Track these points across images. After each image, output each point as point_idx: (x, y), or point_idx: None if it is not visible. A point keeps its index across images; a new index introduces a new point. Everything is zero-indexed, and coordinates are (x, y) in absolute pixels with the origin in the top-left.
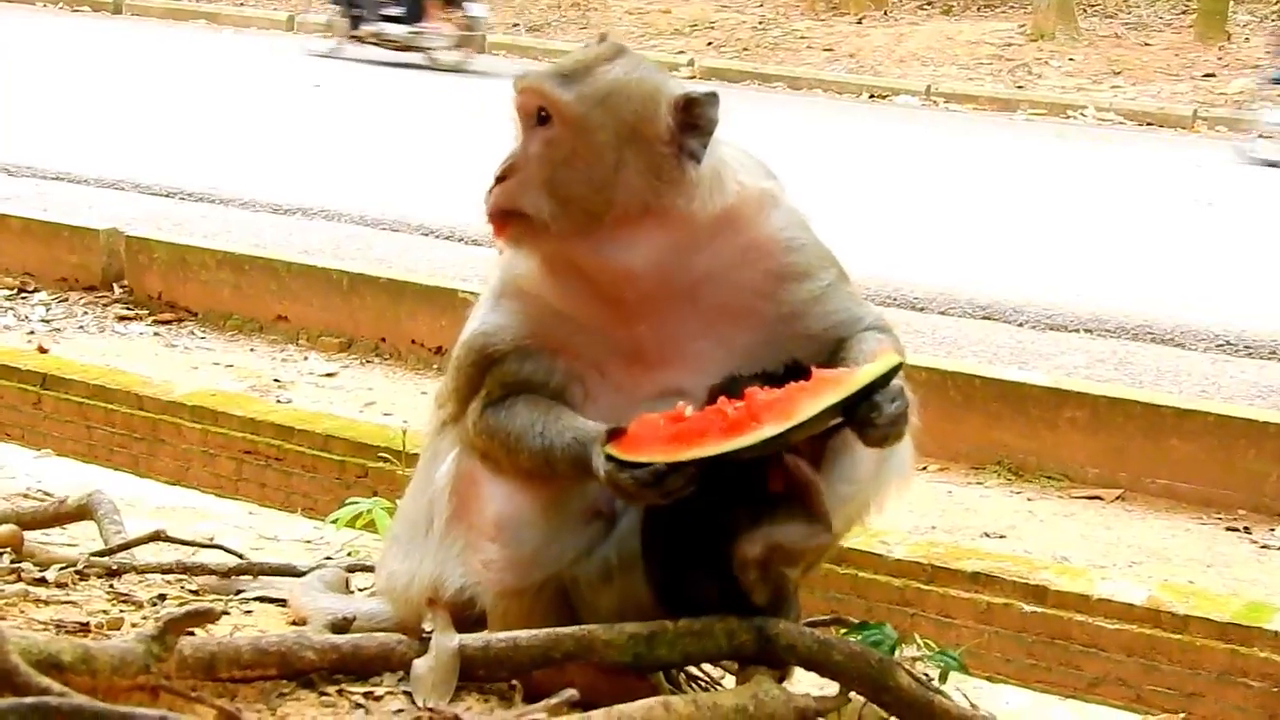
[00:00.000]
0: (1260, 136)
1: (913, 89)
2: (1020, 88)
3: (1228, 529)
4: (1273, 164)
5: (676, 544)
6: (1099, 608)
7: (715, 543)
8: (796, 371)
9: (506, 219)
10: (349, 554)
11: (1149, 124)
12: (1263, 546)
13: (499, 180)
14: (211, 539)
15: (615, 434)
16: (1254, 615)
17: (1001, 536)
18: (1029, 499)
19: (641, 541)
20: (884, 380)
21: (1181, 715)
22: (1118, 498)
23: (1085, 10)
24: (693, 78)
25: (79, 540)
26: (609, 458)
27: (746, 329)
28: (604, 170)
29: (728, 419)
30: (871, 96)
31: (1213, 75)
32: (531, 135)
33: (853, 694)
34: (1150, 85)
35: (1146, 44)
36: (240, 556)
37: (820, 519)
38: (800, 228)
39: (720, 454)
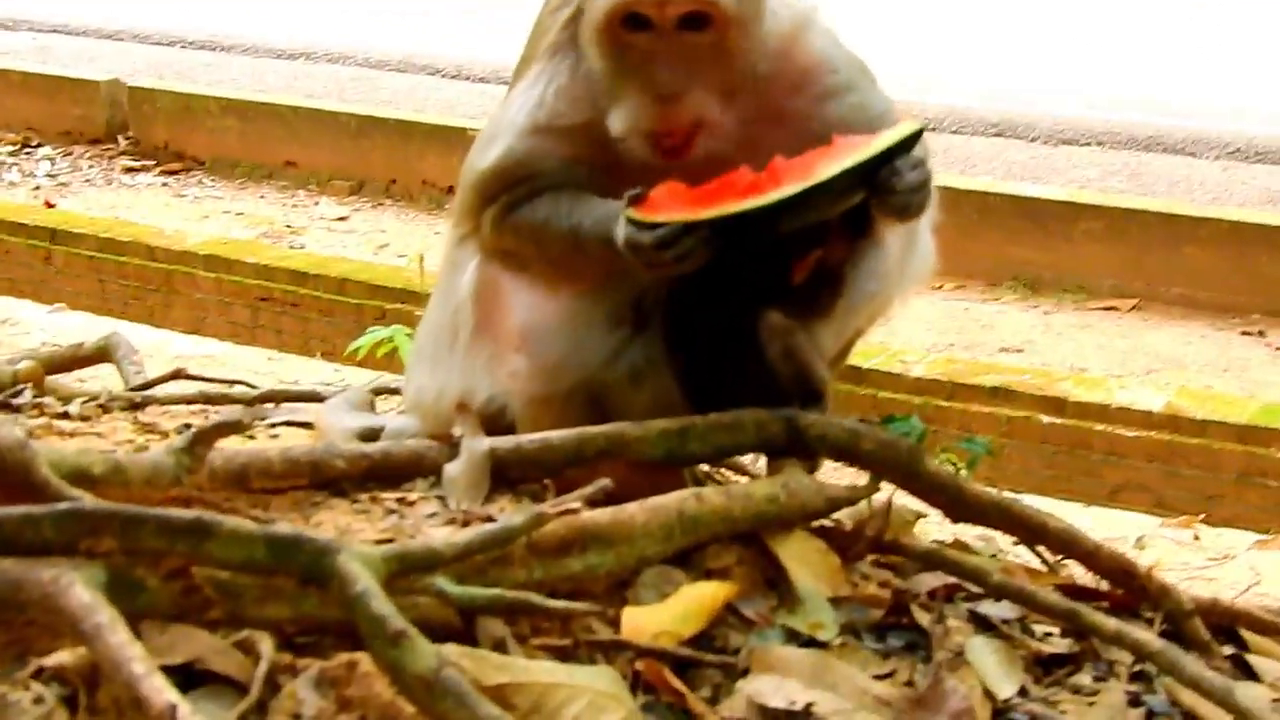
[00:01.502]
0: None
1: None
2: None
3: (1243, 333)
4: None
5: (704, 336)
6: (1118, 416)
7: (742, 333)
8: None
9: (694, 135)
10: None
11: None
12: (1278, 349)
13: (671, 99)
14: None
15: (637, 198)
16: (1271, 417)
17: (1019, 350)
18: (1046, 313)
19: (667, 333)
20: (905, 147)
21: (1201, 516)
22: (1134, 308)
23: None
24: None
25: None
26: (629, 221)
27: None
28: (757, 52)
29: (748, 181)
30: None
31: None
32: (680, 40)
33: (883, 484)
34: None
35: None
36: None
37: (815, 383)
38: (835, 44)
39: (740, 213)
